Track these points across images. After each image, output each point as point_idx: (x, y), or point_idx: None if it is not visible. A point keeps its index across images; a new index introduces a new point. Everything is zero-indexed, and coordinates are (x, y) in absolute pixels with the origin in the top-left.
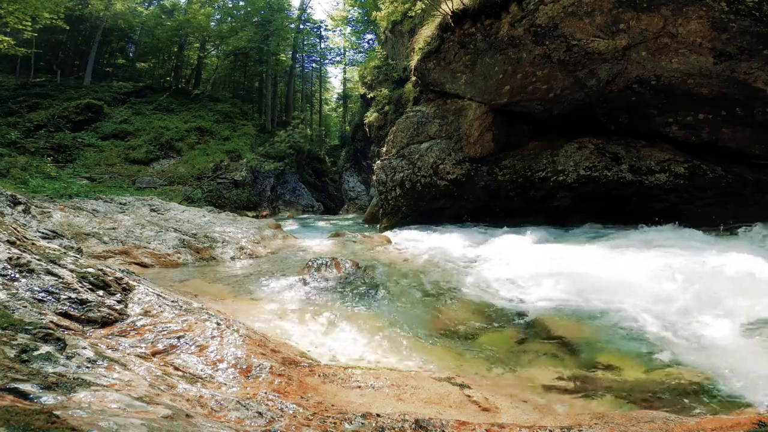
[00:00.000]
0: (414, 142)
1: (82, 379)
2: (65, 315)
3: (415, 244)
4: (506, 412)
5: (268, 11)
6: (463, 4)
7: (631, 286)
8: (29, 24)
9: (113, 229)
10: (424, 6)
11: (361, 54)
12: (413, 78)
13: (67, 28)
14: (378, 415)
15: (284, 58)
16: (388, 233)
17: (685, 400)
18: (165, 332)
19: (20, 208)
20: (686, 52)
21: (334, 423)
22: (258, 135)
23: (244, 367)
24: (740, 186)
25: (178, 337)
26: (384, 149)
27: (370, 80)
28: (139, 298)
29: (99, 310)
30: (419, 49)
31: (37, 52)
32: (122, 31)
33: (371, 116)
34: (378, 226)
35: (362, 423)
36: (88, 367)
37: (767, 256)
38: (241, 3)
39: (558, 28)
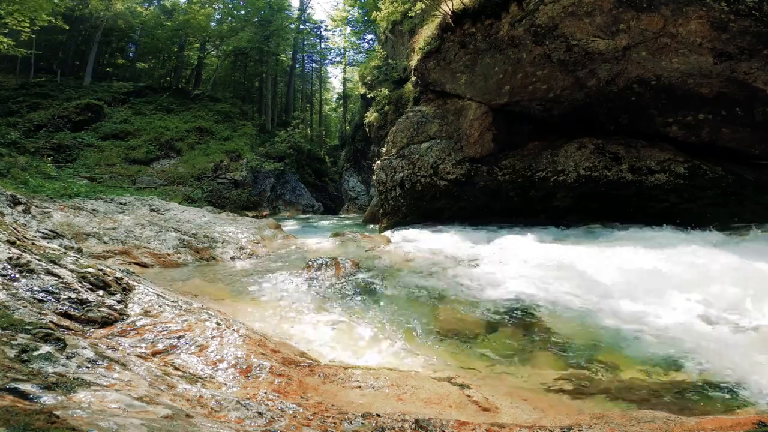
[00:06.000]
0: (414, 142)
1: (82, 379)
2: (65, 315)
3: (415, 244)
4: (506, 412)
5: (268, 11)
6: (463, 4)
7: (631, 285)
8: (27, 25)
9: (113, 229)
10: (424, 6)
11: (361, 54)
12: (413, 78)
13: (67, 28)
14: (378, 415)
15: (284, 59)
16: (388, 233)
17: (685, 400)
18: (165, 332)
19: (20, 208)
20: (686, 52)
21: (334, 423)
22: (258, 135)
23: (244, 367)
24: (740, 186)
25: (178, 337)
26: (384, 149)
27: (370, 80)
28: (139, 298)
29: (99, 310)
30: (419, 49)
31: (37, 53)
32: (122, 31)
33: (371, 116)
34: (378, 226)
35: (362, 423)
36: (88, 367)
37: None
38: (242, 3)
39: (558, 28)
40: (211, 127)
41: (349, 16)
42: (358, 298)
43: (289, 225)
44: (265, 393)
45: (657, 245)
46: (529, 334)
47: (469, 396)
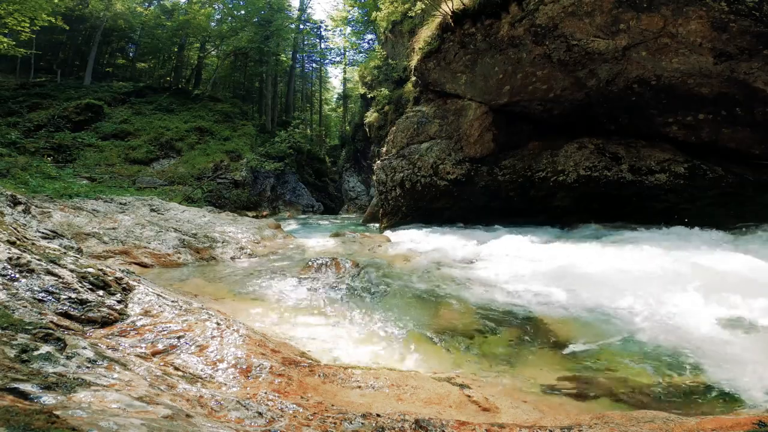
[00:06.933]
0: (414, 142)
1: (82, 379)
2: (65, 315)
3: (415, 244)
4: (506, 412)
5: (268, 11)
6: (463, 4)
7: (631, 286)
8: (27, 26)
9: (113, 229)
10: (424, 6)
11: (361, 54)
12: (413, 78)
13: (67, 28)
14: (378, 415)
15: (284, 59)
16: (388, 233)
17: (685, 400)
18: (165, 332)
19: (20, 208)
20: (686, 52)
21: (334, 423)
22: (258, 135)
23: (244, 367)
24: (740, 186)
25: (178, 337)
26: (384, 149)
27: (370, 80)
28: (139, 298)
29: (99, 310)
30: (419, 49)
31: (37, 53)
32: (122, 31)
33: (371, 116)
34: (378, 226)
35: (362, 423)
36: (88, 367)
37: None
38: (242, 3)
39: (558, 28)
40: (211, 127)
41: (349, 16)
42: (359, 297)
43: (289, 225)
44: (265, 393)
45: (658, 245)
46: (530, 334)
47: (469, 396)
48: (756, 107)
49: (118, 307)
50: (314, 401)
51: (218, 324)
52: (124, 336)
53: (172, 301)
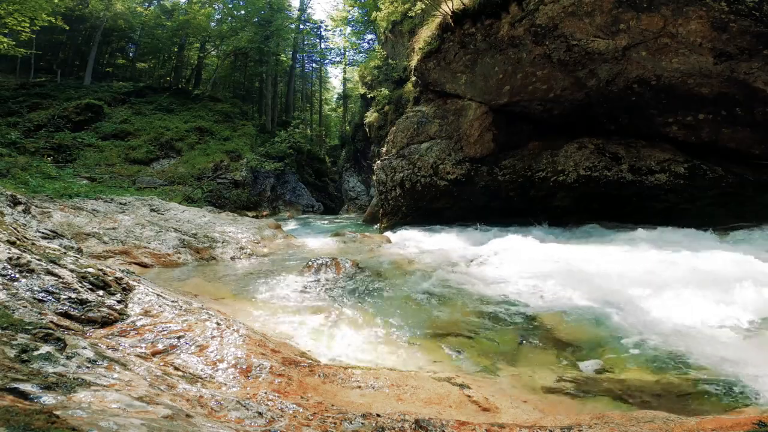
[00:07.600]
0: (414, 142)
1: (82, 379)
2: (65, 315)
3: (415, 244)
4: (506, 412)
5: (268, 11)
6: (463, 4)
7: (631, 286)
8: (27, 26)
9: (113, 229)
10: (424, 6)
11: (361, 54)
12: (413, 78)
13: (67, 28)
14: (378, 415)
15: (284, 59)
16: (388, 233)
17: (685, 400)
18: (165, 332)
19: (20, 208)
20: (686, 52)
21: (334, 423)
22: (258, 135)
23: (244, 367)
24: (740, 186)
25: (178, 337)
26: (384, 149)
27: (370, 80)
28: (139, 298)
29: (99, 310)
30: (419, 49)
31: (37, 53)
32: (122, 31)
33: (371, 116)
34: (378, 226)
35: (362, 423)
36: (88, 367)
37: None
38: (242, 3)
39: (558, 28)
40: (211, 127)
41: (349, 16)
42: (359, 297)
43: (289, 225)
44: (265, 393)
45: (657, 245)
46: (530, 334)
47: (469, 396)
48: (756, 107)
49: (118, 307)
50: (314, 401)
51: (218, 324)
52: (124, 336)
53: (172, 301)
